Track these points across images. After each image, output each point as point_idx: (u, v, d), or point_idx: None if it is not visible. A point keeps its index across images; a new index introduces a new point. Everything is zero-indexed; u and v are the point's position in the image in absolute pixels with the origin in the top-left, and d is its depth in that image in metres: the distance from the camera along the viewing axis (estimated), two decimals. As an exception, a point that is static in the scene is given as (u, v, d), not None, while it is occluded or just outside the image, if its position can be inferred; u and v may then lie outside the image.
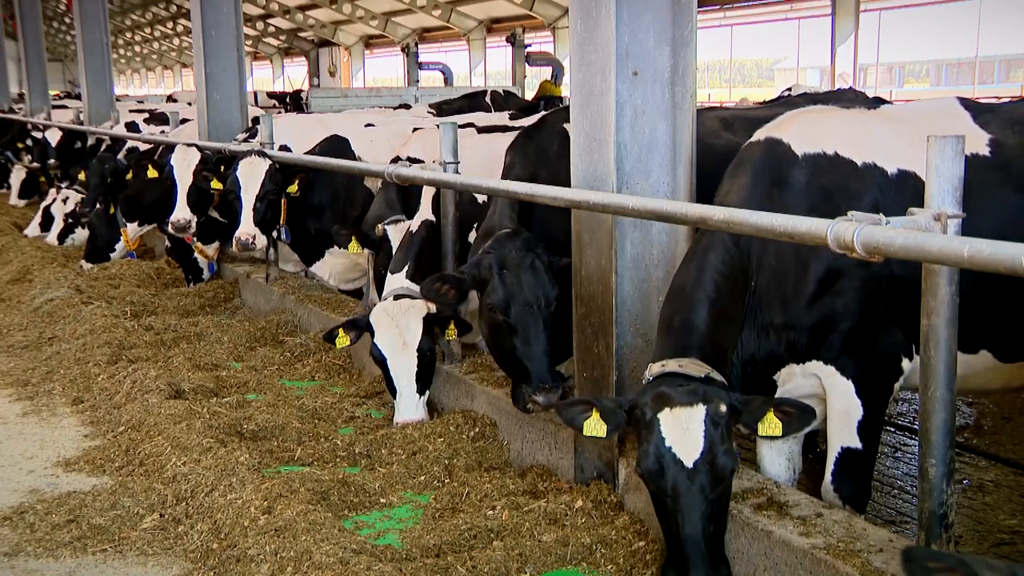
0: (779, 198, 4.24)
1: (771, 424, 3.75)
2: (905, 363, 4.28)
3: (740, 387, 4.28)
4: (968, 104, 4.85)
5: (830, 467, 4.34)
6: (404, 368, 5.90)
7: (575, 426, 3.91)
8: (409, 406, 5.90)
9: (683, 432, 3.65)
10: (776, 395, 4.40)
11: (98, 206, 10.87)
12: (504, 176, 6.08)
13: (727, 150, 5.85)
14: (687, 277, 4.18)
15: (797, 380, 4.37)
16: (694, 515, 3.66)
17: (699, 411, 3.66)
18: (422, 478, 5.21)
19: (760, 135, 4.54)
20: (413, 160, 6.91)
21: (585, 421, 3.87)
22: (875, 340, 4.24)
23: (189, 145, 9.31)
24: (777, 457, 4.67)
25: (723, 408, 3.68)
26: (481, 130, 7.69)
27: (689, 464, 3.64)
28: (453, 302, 5.61)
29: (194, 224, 8.98)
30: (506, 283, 5.16)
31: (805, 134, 4.43)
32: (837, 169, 4.31)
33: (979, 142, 4.50)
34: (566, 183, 4.90)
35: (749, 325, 4.27)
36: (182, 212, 8.90)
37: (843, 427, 4.29)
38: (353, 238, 7.00)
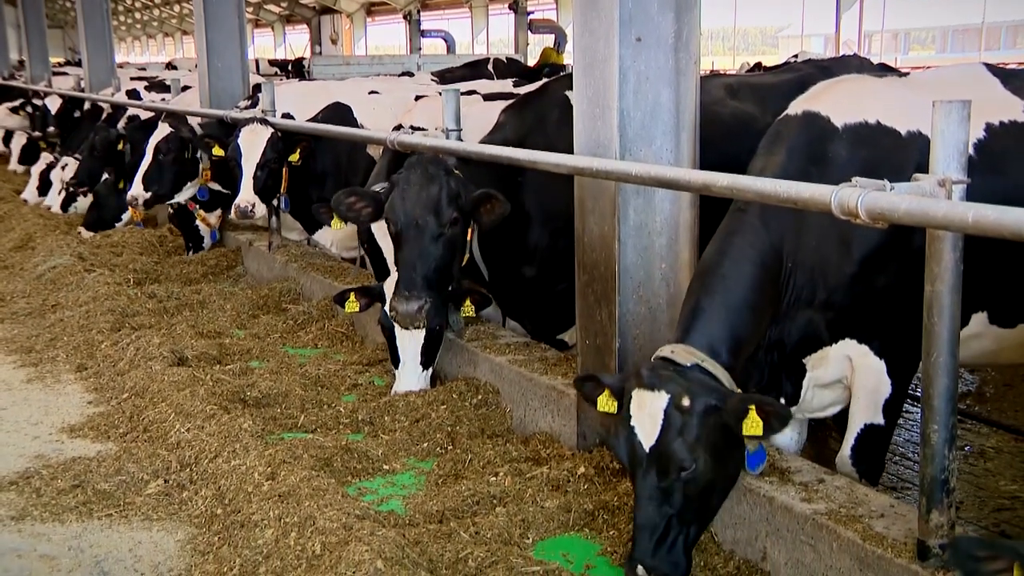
0: (817, 175, 4.03)
1: (753, 423, 3.63)
2: None
3: (767, 373, 4.23)
4: (995, 70, 4.78)
5: (850, 442, 4.31)
6: (411, 339, 5.89)
7: (591, 402, 3.92)
8: (411, 378, 5.89)
9: (645, 416, 3.64)
10: (805, 379, 4.33)
11: (106, 177, 10.88)
12: (489, 136, 6.05)
13: (733, 118, 5.84)
14: (707, 261, 4.10)
15: (828, 363, 4.27)
16: (642, 499, 3.65)
17: (661, 398, 3.62)
18: (425, 445, 5.23)
19: (795, 108, 4.40)
20: (417, 128, 6.88)
21: (599, 398, 3.88)
22: (910, 319, 4.20)
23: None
24: (789, 430, 4.65)
25: (686, 402, 3.60)
26: (487, 98, 7.66)
27: (647, 447, 3.63)
28: (367, 220, 5.84)
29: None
30: (402, 197, 5.36)
31: (844, 104, 4.29)
32: (881, 139, 4.18)
33: (1014, 108, 4.44)
34: (564, 151, 4.87)
35: (782, 308, 4.15)
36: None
37: (869, 405, 4.25)
38: (335, 216, 6.99)
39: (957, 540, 2.71)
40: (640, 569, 3.60)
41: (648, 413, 3.64)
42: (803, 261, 4.13)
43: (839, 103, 4.31)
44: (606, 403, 3.86)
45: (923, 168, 3.12)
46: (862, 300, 4.15)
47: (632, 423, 3.67)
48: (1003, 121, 4.34)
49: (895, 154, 4.14)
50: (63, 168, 12.42)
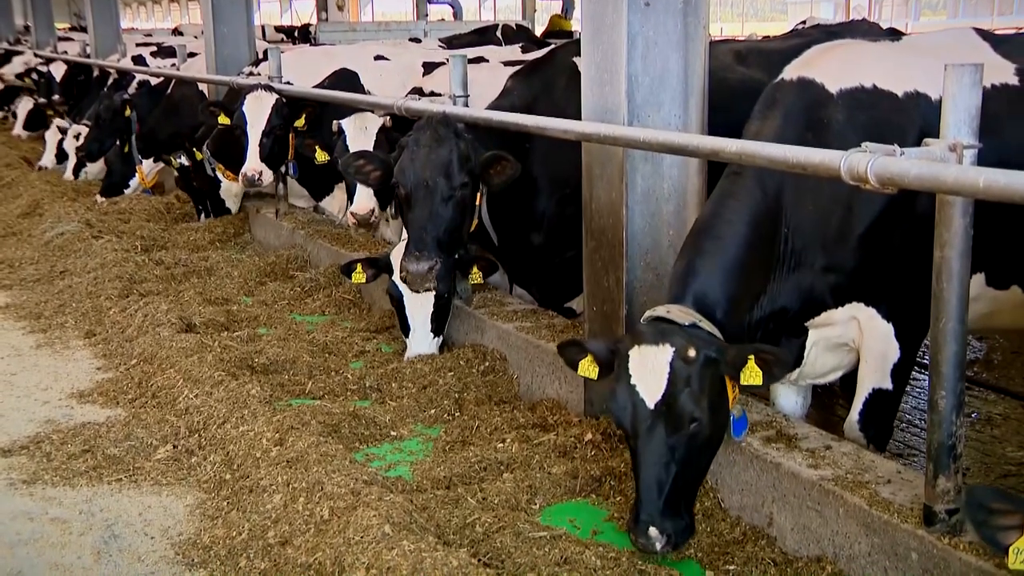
0: (815, 140, 3.96)
1: (752, 372, 3.60)
2: None
3: (763, 339, 4.17)
4: (985, 34, 4.75)
5: (858, 407, 4.30)
6: (420, 308, 5.88)
7: (573, 367, 3.91)
8: (422, 344, 5.90)
9: (648, 371, 3.59)
10: (808, 339, 4.28)
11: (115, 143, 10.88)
12: (496, 102, 6.02)
13: (741, 84, 5.79)
14: (701, 224, 4.06)
15: (834, 326, 4.24)
16: (650, 458, 3.58)
17: (665, 351, 3.58)
18: (432, 411, 5.24)
19: (789, 75, 4.32)
20: (436, 94, 6.85)
21: (581, 362, 3.87)
22: (917, 283, 4.17)
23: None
24: (794, 396, 4.66)
25: (691, 352, 3.56)
26: (507, 64, 7.63)
27: (651, 405, 3.58)
28: (376, 183, 5.84)
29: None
30: (411, 159, 5.33)
31: (838, 69, 4.23)
32: (879, 102, 4.13)
33: (1006, 72, 4.39)
34: (572, 118, 4.85)
35: (781, 272, 4.10)
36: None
37: (877, 369, 4.23)
38: (317, 148, 7.23)
39: (972, 489, 2.67)
40: (652, 530, 3.52)
41: (651, 369, 3.59)
42: (801, 225, 4.09)
43: (833, 68, 4.26)
44: (587, 368, 3.86)
45: (925, 130, 3.10)
46: (866, 264, 4.12)
47: (633, 382, 3.62)
48: (995, 84, 4.30)
49: (894, 117, 4.10)
50: (75, 136, 12.42)
